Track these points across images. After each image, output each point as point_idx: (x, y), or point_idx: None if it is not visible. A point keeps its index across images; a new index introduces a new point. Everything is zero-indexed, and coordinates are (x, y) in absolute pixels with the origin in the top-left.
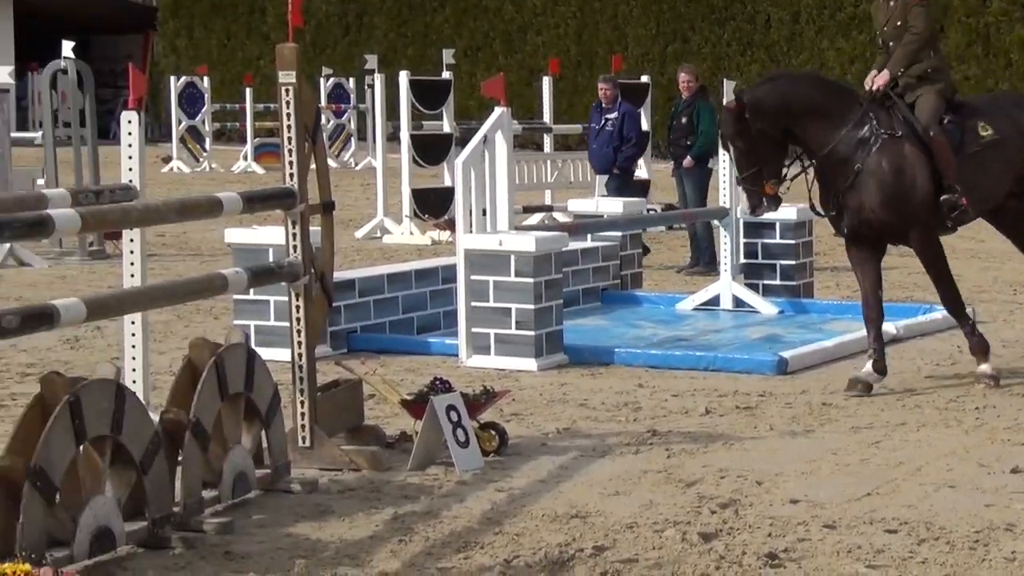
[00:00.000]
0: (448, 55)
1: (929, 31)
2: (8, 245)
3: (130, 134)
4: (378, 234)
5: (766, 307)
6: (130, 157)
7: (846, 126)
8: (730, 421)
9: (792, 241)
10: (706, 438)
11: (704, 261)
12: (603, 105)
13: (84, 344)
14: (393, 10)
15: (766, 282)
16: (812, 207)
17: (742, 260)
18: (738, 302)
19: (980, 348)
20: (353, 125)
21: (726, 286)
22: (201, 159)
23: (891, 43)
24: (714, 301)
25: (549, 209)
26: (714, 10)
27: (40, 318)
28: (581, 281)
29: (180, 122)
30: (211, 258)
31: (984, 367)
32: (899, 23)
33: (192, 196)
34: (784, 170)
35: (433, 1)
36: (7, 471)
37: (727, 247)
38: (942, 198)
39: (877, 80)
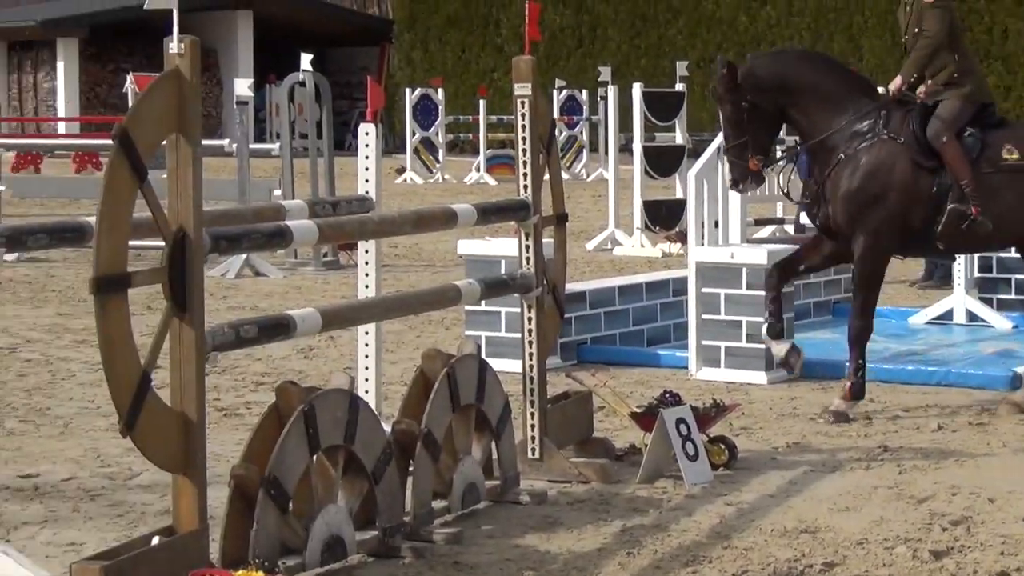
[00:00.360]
0: (681, 67)
1: (943, 33)
2: (245, 255)
3: (367, 146)
4: (609, 246)
5: (1000, 322)
6: (367, 168)
7: (847, 116)
8: (962, 437)
9: None
10: (938, 454)
11: (938, 275)
12: None
13: (317, 354)
14: (626, 22)
15: (1000, 296)
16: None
17: (976, 274)
18: (972, 316)
19: (852, 392)
20: (585, 137)
21: (960, 300)
22: (434, 170)
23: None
24: (947, 315)
25: (780, 222)
26: None
27: (277, 328)
28: (812, 294)
29: (414, 133)
30: (443, 269)
31: (838, 403)
32: (916, 29)
33: (427, 207)
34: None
35: (667, 13)
36: (243, 479)
37: (961, 261)
38: (950, 206)
39: (891, 86)
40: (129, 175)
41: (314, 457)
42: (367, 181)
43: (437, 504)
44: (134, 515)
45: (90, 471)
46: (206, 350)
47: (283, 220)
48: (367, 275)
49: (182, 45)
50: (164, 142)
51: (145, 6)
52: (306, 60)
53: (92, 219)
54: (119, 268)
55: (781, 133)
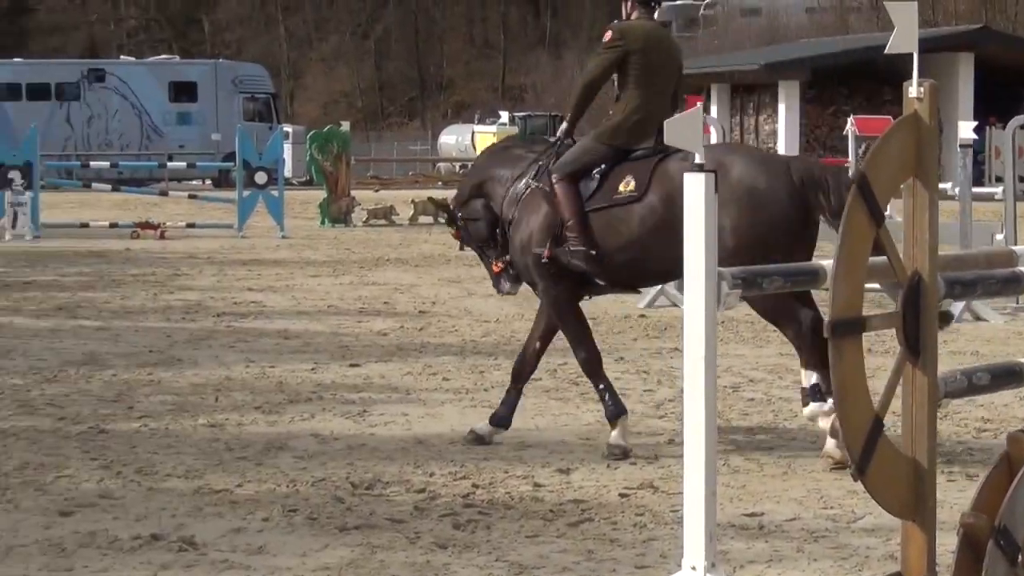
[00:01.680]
0: None
1: (589, 75)
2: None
3: None
4: None
5: None
6: None
7: (511, 184)
8: None
9: None
10: None
11: None
12: None
13: None
14: None
15: None
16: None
17: None
18: None
19: (612, 415)
20: None
21: None
22: None
23: None
24: None
25: None
26: None
27: (1010, 376)
28: None
29: None
30: None
31: (614, 435)
32: None
33: None
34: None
35: None
36: (972, 528)
37: None
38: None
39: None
40: (867, 219)
41: None
42: None
43: None
44: (858, 558)
45: (813, 512)
46: (938, 396)
47: (1016, 266)
48: None
49: (921, 89)
50: (901, 187)
51: (887, 49)
52: None
53: (827, 263)
54: (855, 312)
55: None
